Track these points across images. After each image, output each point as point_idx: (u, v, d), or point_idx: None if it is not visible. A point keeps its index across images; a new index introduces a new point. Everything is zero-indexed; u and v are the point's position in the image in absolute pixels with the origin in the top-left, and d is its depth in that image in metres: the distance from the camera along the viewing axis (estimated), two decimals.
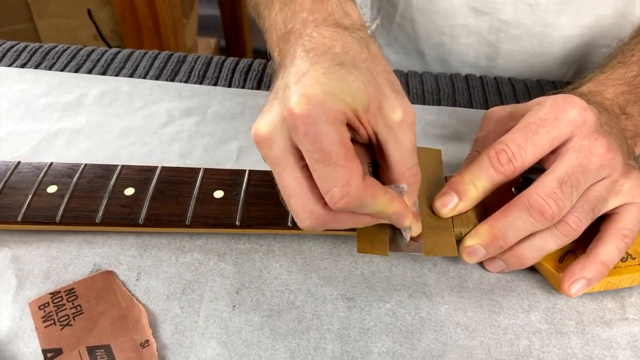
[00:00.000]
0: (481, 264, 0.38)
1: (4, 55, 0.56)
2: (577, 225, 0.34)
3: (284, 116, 0.29)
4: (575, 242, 0.37)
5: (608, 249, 0.35)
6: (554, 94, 0.37)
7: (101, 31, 1.26)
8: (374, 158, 0.34)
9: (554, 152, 0.35)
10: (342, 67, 0.30)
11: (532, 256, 0.35)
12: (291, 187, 0.30)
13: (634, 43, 0.43)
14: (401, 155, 0.32)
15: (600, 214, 0.35)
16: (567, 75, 0.62)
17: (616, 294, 0.37)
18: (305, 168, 0.30)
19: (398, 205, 0.32)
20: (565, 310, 0.36)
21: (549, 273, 0.36)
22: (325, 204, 0.30)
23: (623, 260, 0.36)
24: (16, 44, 0.58)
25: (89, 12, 1.26)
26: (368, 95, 0.30)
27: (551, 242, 0.34)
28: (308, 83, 0.29)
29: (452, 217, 0.36)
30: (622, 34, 0.46)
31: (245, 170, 0.39)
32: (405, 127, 0.31)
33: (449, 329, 0.35)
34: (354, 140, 0.32)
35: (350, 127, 0.31)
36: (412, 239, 0.35)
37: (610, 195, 0.35)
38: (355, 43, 0.32)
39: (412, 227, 0.34)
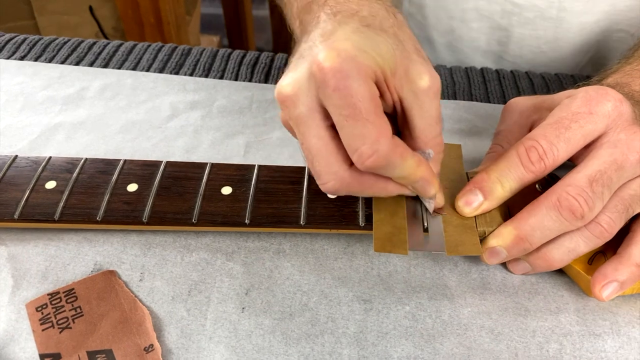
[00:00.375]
0: (504, 265, 0.36)
1: (3, 47, 0.55)
2: (610, 226, 0.32)
3: (313, 71, 0.28)
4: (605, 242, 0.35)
5: None
6: (580, 86, 0.35)
7: (103, 28, 1.24)
8: (397, 130, 0.33)
9: (587, 147, 0.33)
10: (370, 29, 0.30)
11: (561, 258, 0.33)
12: (316, 147, 0.29)
13: None
14: (426, 123, 0.31)
15: (635, 213, 0.33)
16: (581, 64, 0.60)
17: None
18: (330, 128, 0.29)
19: (425, 170, 0.31)
20: (598, 311, 0.34)
21: (577, 275, 0.34)
22: (350, 166, 0.29)
23: None
24: (15, 36, 0.56)
25: (90, 8, 1.24)
26: (395, 58, 0.29)
27: (582, 244, 0.32)
28: (338, 40, 0.28)
29: (475, 216, 0.34)
30: (638, 17, 0.44)
31: (254, 165, 0.37)
32: (431, 94, 0.30)
33: (473, 333, 0.33)
34: None
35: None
36: (435, 210, 0.34)
37: None
38: (381, 9, 0.32)
39: (437, 196, 0.33)
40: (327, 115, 0.29)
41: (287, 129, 0.32)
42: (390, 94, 0.30)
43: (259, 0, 1.96)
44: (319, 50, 0.28)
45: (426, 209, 0.34)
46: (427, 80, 0.30)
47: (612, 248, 0.34)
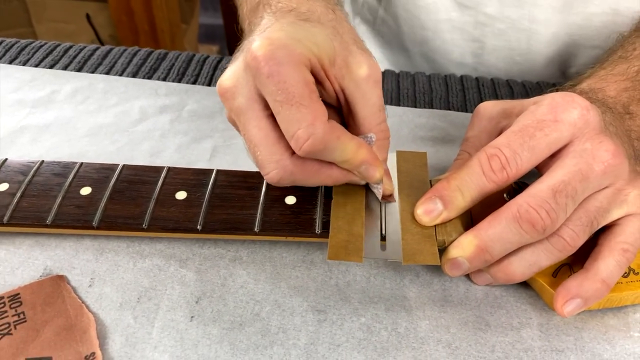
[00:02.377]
0: (468, 276, 0.35)
1: None
2: (573, 239, 0.30)
3: (247, 61, 0.29)
4: (571, 255, 0.33)
5: (608, 265, 0.31)
6: (552, 91, 0.33)
7: (100, 36, 1.25)
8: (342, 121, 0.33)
9: (552, 157, 0.31)
10: (307, 22, 0.30)
11: (522, 272, 0.31)
12: (257, 137, 0.30)
13: (635, 36, 0.40)
14: (369, 111, 0.31)
15: (600, 226, 0.32)
16: (555, 75, 0.58)
17: (618, 311, 0.33)
18: (270, 117, 0.29)
19: (366, 153, 0.31)
20: (562, 326, 0.32)
21: (541, 288, 0.33)
22: (292, 154, 0.29)
23: (625, 275, 0.33)
24: None
25: (87, 16, 1.25)
26: (334, 48, 0.30)
27: (543, 258, 0.31)
28: (272, 30, 0.29)
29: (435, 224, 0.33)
30: (614, 33, 0.43)
31: (212, 170, 0.36)
32: (372, 82, 0.31)
33: (429, 347, 0.31)
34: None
35: (316, 80, 0.30)
36: (384, 197, 0.33)
37: (613, 205, 0.31)
38: (321, 6, 0.33)
39: (384, 182, 0.33)
40: (266, 106, 0.29)
41: (231, 124, 0.32)
42: (330, 83, 0.31)
43: None
44: (253, 41, 0.29)
45: (386, 214, 0.33)
46: (366, 70, 0.30)
47: (579, 260, 0.33)
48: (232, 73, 0.30)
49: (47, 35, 1.28)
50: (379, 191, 0.33)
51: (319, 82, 0.30)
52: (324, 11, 0.32)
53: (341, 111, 0.33)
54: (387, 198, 0.34)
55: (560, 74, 0.58)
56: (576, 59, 0.56)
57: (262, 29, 0.30)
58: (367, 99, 0.31)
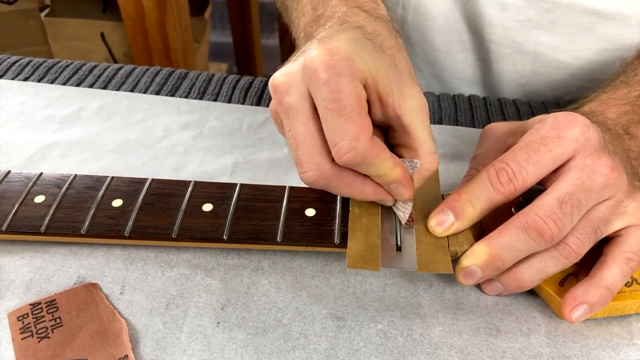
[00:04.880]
0: (479, 286, 0.36)
1: (8, 69, 0.57)
2: (578, 247, 0.32)
3: (306, 64, 0.30)
4: (577, 265, 0.35)
5: (612, 272, 0.33)
6: (555, 112, 0.36)
7: (113, 54, 1.28)
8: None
9: (556, 172, 0.33)
10: (371, 43, 0.32)
11: (531, 279, 0.33)
12: (302, 135, 0.31)
13: (637, 63, 0.42)
14: (422, 140, 0.33)
15: (603, 235, 0.34)
16: (562, 99, 0.60)
17: (622, 319, 0.35)
18: (317, 119, 0.30)
19: (401, 173, 0.32)
20: (569, 333, 0.34)
21: (549, 297, 0.35)
22: (331, 160, 0.30)
23: (628, 285, 0.35)
24: (20, 59, 0.58)
25: (102, 35, 1.28)
26: (389, 77, 0.31)
27: (551, 265, 0.33)
28: (339, 40, 0.30)
29: (447, 235, 0.35)
30: (618, 59, 0.45)
31: (236, 184, 0.39)
32: (424, 114, 0.32)
33: (443, 352, 0.33)
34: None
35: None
36: (407, 222, 0.35)
37: (614, 216, 0.33)
38: (385, 29, 0.34)
39: (410, 204, 0.34)
40: (315, 108, 0.30)
41: (273, 119, 0.33)
42: (384, 107, 0.32)
43: (269, 29, 2.01)
44: (318, 46, 0.30)
45: (400, 226, 0.35)
46: (419, 101, 0.32)
47: (584, 271, 0.35)
48: (288, 71, 0.31)
49: (62, 53, 1.32)
50: (404, 215, 0.34)
51: (368, 102, 0.31)
52: (387, 35, 0.34)
53: (384, 130, 0.34)
54: (410, 223, 0.35)
55: (565, 102, 0.60)
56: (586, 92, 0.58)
57: (327, 35, 0.31)
58: (422, 129, 0.32)
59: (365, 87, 0.30)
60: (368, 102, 0.31)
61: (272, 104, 0.32)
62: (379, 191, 0.33)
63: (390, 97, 0.31)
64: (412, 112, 0.32)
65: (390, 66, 0.32)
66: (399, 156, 0.33)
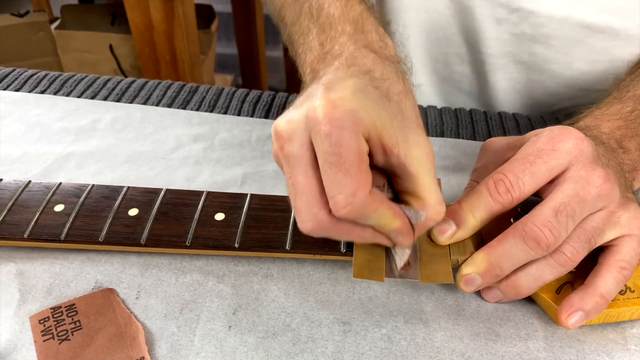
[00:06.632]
0: (479, 293, 0.38)
1: (25, 82, 0.59)
2: (573, 255, 0.34)
3: (309, 114, 0.29)
4: (572, 273, 0.37)
5: (606, 281, 0.34)
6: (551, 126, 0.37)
7: (121, 65, 1.31)
8: (389, 179, 0.34)
9: (552, 183, 0.35)
10: (377, 91, 0.31)
11: (529, 286, 0.35)
12: (301, 185, 0.30)
13: (629, 80, 0.44)
14: (433, 188, 0.32)
15: (597, 245, 0.35)
16: (555, 107, 0.62)
17: (617, 325, 0.36)
18: (317, 169, 0.30)
19: (400, 224, 0.32)
20: (565, 339, 0.35)
21: (546, 304, 0.36)
22: (329, 211, 0.30)
23: (622, 293, 0.36)
24: (37, 72, 0.60)
25: (110, 47, 1.31)
26: (394, 127, 0.31)
27: (547, 272, 0.34)
28: (345, 89, 0.30)
29: (449, 245, 0.37)
30: (612, 75, 0.47)
31: (247, 194, 0.40)
32: (430, 163, 0.32)
33: (445, 356, 0.34)
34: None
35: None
36: (402, 267, 0.34)
37: (608, 226, 0.35)
38: (392, 72, 0.34)
39: (407, 251, 0.34)
40: (316, 158, 0.30)
41: (276, 162, 0.33)
42: (388, 158, 0.31)
43: (274, 41, 2.04)
44: (323, 95, 0.29)
45: None
46: (425, 149, 0.32)
47: (579, 279, 0.36)
48: (292, 118, 0.30)
49: (71, 65, 1.34)
50: (400, 260, 0.34)
51: (371, 152, 0.31)
52: (395, 80, 0.33)
53: (387, 173, 0.34)
54: (405, 268, 0.35)
55: (558, 110, 0.62)
56: (580, 101, 0.60)
57: (334, 79, 0.31)
58: (428, 178, 0.32)
59: (368, 139, 0.30)
60: (371, 152, 0.31)
61: (274, 148, 0.32)
62: (377, 236, 0.33)
63: (396, 147, 0.31)
64: (418, 160, 0.31)
65: (396, 115, 0.31)
66: (405, 202, 0.33)
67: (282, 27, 0.48)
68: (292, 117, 0.30)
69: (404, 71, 0.36)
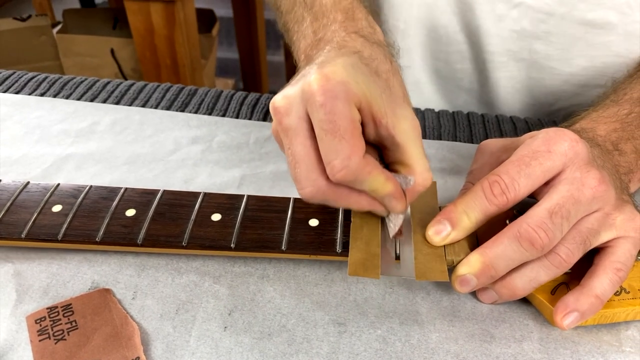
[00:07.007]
0: (474, 294, 0.38)
1: (25, 84, 0.59)
2: (568, 256, 0.34)
3: (304, 88, 0.31)
4: (568, 274, 0.37)
5: (602, 282, 0.34)
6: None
7: (122, 69, 1.31)
8: (380, 155, 0.37)
9: (547, 185, 0.35)
10: (367, 68, 0.34)
11: (524, 287, 0.35)
12: (300, 155, 0.32)
13: (627, 82, 0.44)
14: (419, 156, 0.34)
15: (593, 246, 0.35)
16: (554, 107, 0.63)
17: (612, 327, 0.37)
18: (314, 139, 0.32)
19: (392, 187, 0.34)
20: (560, 340, 0.35)
21: (541, 305, 0.36)
22: (327, 178, 0.32)
23: (617, 294, 0.36)
24: (37, 75, 0.61)
25: (112, 51, 1.32)
26: (383, 100, 0.33)
27: (542, 273, 0.34)
28: (337, 65, 0.32)
29: (444, 245, 0.37)
30: (611, 77, 0.47)
31: (244, 195, 0.40)
32: (417, 134, 0.34)
33: (439, 357, 0.34)
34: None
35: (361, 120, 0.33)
36: (395, 235, 0.37)
37: (603, 228, 0.35)
38: (380, 53, 0.37)
39: (401, 217, 0.36)
40: (312, 128, 0.32)
41: (275, 138, 0.36)
42: (378, 128, 0.33)
43: (275, 46, 2.04)
44: (316, 71, 0.32)
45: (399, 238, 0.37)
46: (412, 122, 0.34)
47: (575, 280, 0.36)
48: (288, 94, 0.33)
49: (73, 68, 1.35)
50: (394, 227, 0.36)
51: (363, 123, 0.33)
52: (383, 60, 0.36)
53: (378, 147, 0.36)
54: (398, 236, 0.37)
55: (557, 110, 0.63)
56: (579, 99, 0.60)
57: (326, 59, 0.33)
58: (415, 147, 0.34)
59: (359, 109, 0.32)
60: (362, 123, 0.33)
61: (273, 124, 0.34)
62: (373, 203, 0.35)
63: (384, 118, 0.33)
64: (406, 132, 0.34)
65: (384, 89, 0.34)
66: (395, 172, 0.35)
67: (278, 16, 0.51)
68: (289, 92, 0.33)
69: (392, 54, 0.38)
